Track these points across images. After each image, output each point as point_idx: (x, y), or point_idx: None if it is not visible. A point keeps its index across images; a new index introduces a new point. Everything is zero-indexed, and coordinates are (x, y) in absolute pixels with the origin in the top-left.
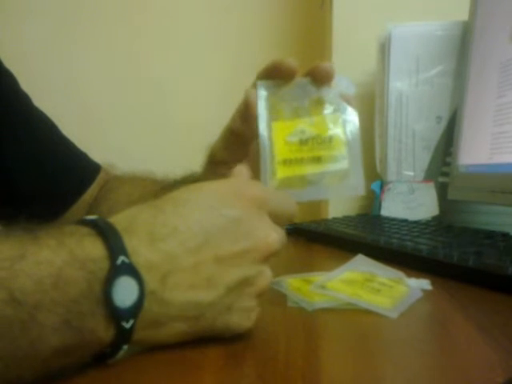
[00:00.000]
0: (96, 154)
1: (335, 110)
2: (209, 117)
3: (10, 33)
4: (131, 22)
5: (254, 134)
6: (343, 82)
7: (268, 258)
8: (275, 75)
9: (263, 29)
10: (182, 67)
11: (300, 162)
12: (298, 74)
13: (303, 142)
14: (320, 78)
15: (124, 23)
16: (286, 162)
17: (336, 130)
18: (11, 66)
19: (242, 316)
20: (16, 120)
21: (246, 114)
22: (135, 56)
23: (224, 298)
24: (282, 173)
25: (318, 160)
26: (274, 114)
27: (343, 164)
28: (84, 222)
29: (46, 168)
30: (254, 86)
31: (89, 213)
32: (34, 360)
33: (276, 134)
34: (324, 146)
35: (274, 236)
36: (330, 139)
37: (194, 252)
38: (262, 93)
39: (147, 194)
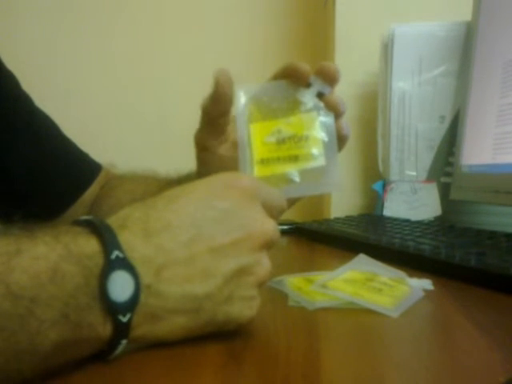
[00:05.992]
0: (97, 153)
1: (311, 110)
2: None
3: (7, 32)
4: (132, 22)
5: (223, 112)
6: (319, 81)
7: (264, 246)
8: (290, 77)
9: (266, 29)
10: (183, 66)
11: (277, 160)
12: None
13: (280, 142)
14: (325, 78)
15: (124, 23)
16: (264, 162)
17: (312, 129)
18: (9, 64)
19: (243, 305)
20: (17, 120)
21: (214, 94)
22: (135, 55)
23: (222, 288)
24: (259, 172)
25: (295, 158)
26: (252, 117)
27: (320, 161)
28: (78, 222)
29: (46, 168)
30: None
31: (90, 212)
32: (34, 355)
33: (254, 135)
34: (301, 145)
35: (268, 224)
36: (307, 138)
37: (188, 245)
38: (241, 97)
39: (151, 190)
